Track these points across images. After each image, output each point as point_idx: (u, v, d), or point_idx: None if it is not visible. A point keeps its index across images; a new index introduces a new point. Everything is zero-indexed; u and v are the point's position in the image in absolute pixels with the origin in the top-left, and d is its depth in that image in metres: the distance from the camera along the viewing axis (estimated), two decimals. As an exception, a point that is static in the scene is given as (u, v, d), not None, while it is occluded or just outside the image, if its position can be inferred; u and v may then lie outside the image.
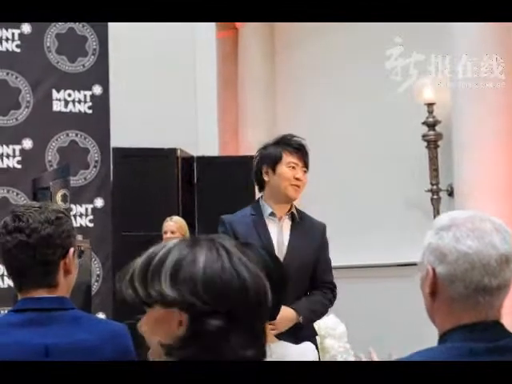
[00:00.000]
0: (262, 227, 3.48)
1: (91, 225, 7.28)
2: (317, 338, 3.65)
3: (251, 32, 9.26)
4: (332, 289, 3.57)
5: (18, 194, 7.06)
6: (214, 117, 8.16)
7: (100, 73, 7.39)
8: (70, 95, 7.34)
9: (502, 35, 6.00)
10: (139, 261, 1.42)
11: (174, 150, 7.45)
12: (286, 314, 3.06)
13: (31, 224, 2.02)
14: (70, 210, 6.66)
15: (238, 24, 9.48)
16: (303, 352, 2.41)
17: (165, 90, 7.83)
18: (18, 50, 7.18)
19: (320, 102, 8.64)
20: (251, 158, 3.77)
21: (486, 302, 1.58)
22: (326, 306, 3.55)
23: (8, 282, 6.58)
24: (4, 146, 7.08)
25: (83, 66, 7.40)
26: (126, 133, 7.25)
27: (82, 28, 7.41)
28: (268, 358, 2.06)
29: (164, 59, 7.90)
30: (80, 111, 7.36)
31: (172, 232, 6.08)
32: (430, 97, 7.15)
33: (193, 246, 1.40)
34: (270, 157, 3.51)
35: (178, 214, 6.71)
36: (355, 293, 7.32)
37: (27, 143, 7.14)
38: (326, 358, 5.37)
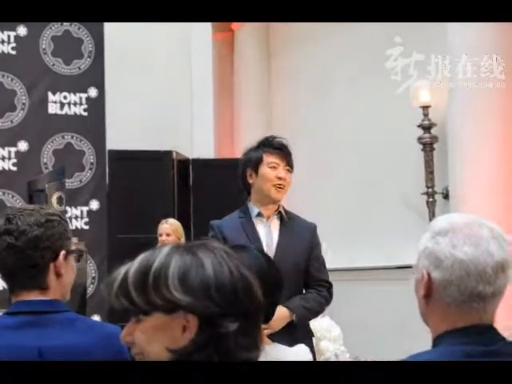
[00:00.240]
0: (251, 228, 3.50)
1: (86, 227, 7.27)
2: (313, 339, 3.64)
3: (247, 34, 9.28)
4: (327, 287, 3.55)
5: (13, 197, 7.05)
6: (209, 119, 8.15)
7: (96, 75, 7.38)
8: (65, 97, 7.34)
9: (501, 35, 6.01)
10: (131, 269, 1.41)
11: (169, 153, 7.45)
12: (279, 313, 3.05)
13: (20, 226, 2.02)
14: (66, 212, 6.65)
15: (234, 26, 9.49)
16: (297, 354, 2.40)
17: (160, 92, 7.83)
18: (14, 53, 7.17)
19: (316, 104, 8.64)
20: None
21: (480, 308, 1.58)
22: (321, 304, 3.53)
23: (3, 285, 6.57)
24: (-1, 148, 7.07)
25: (79, 68, 7.40)
26: (121, 135, 7.24)
27: (77, 30, 7.40)
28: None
29: (160, 61, 7.89)
30: (75, 113, 7.36)
31: (167, 234, 6.07)
32: (425, 100, 7.16)
33: (193, 252, 1.40)
34: (251, 159, 3.53)
35: (174, 217, 6.70)
36: (351, 295, 7.32)
37: (23, 145, 7.14)
38: (321, 360, 5.37)
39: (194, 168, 7.65)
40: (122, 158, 7.29)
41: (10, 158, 7.09)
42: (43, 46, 7.29)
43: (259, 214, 3.53)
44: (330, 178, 8.34)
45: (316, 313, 3.58)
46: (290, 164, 3.55)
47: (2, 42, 7.14)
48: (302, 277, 3.50)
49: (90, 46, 7.43)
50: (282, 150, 3.53)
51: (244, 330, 1.36)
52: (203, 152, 7.82)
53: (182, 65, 8.07)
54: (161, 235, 6.09)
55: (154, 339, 1.39)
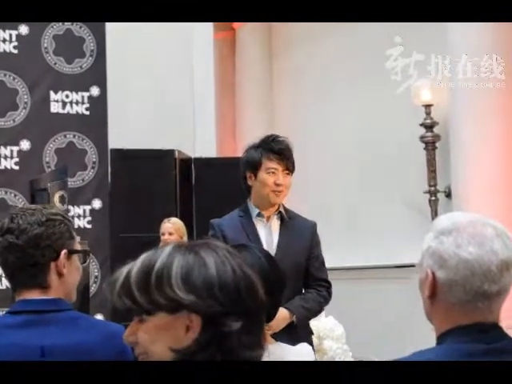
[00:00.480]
0: (251, 228, 3.50)
1: (89, 226, 7.28)
2: (313, 338, 3.64)
3: (249, 33, 9.28)
4: (326, 286, 3.55)
5: (15, 196, 7.05)
6: (211, 118, 8.16)
7: (97, 74, 7.39)
8: (67, 96, 7.34)
9: (501, 35, 6.01)
10: (134, 268, 1.41)
11: (171, 152, 7.44)
12: (280, 314, 3.04)
13: (21, 225, 2.03)
14: (68, 211, 6.65)
15: (235, 25, 9.49)
16: (300, 353, 2.40)
17: (162, 91, 7.83)
18: (16, 52, 7.18)
19: (318, 103, 8.64)
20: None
21: (485, 307, 1.58)
22: (320, 304, 3.53)
23: (6, 284, 6.57)
24: (2, 147, 7.07)
25: (81, 67, 7.40)
26: (123, 134, 7.24)
27: (79, 29, 7.40)
28: (265, 359, 2.06)
29: (161, 60, 7.89)
30: (78, 112, 7.36)
31: (170, 233, 6.07)
32: (427, 98, 7.16)
33: (195, 251, 1.40)
34: (250, 163, 3.52)
35: (176, 216, 6.70)
36: (354, 294, 7.33)
37: (25, 144, 7.14)
38: (324, 359, 5.37)
39: (196, 167, 7.65)
40: (125, 156, 7.29)
41: (12, 157, 7.09)
42: (45, 45, 7.29)
43: (259, 215, 3.53)
44: (331, 177, 8.34)
45: (315, 313, 3.59)
46: (289, 167, 3.53)
47: (4, 40, 7.15)
48: (301, 276, 3.50)
49: (92, 44, 7.43)
50: (281, 155, 3.51)
51: (247, 328, 1.36)
52: (205, 151, 7.82)
53: (183, 64, 8.07)
54: (163, 234, 6.09)
55: (157, 339, 1.38)
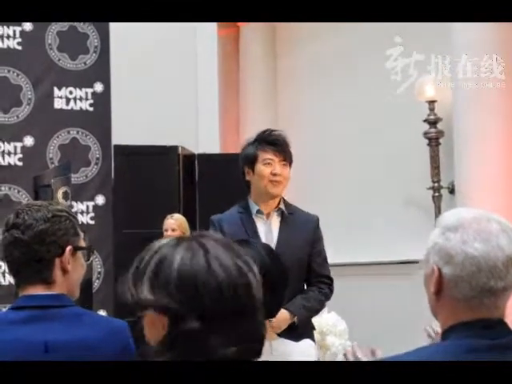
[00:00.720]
0: (250, 225, 3.49)
1: (92, 222, 7.28)
2: (316, 333, 3.64)
3: (253, 30, 9.26)
4: (328, 283, 3.53)
5: (19, 192, 7.06)
6: (215, 114, 8.15)
7: (101, 70, 7.39)
8: (71, 93, 7.34)
9: (501, 35, 6.00)
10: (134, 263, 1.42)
11: (175, 148, 7.44)
12: (280, 315, 2.97)
13: (26, 221, 2.04)
14: (71, 207, 6.66)
15: (239, 22, 9.48)
16: (304, 349, 2.41)
17: (166, 87, 7.83)
18: (20, 48, 7.18)
19: (321, 100, 8.64)
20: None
21: (491, 303, 1.58)
22: (321, 302, 3.52)
23: (9, 279, 6.58)
24: (5, 143, 7.08)
25: (84, 63, 7.40)
26: (127, 130, 7.24)
27: (83, 25, 7.40)
28: (269, 356, 2.06)
29: (165, 57, 7.89)
30: (81, 109, 7.36)
31: (173, 230, 6.08)
32: (431, 94, 7.15)
33: (174, 246, 1.39)
34: (247, 157, 3.53)
35: (180, 212, 6.70)
36: (356, 290, 7.33)
37: (28, 140, 7.14)
38: (327, 355, 5.38)
39: (200, 163, 7.65)
40: (128, 153, 7.29)
41: (15, 153, 7.10)
42: (49, 41, 7.29)
43: (259, 211, 3.52)
44: (334, 174, 8.34)
45: (317, 311, 3.57)
46: (286, 158, 3.52)
47: (8, 37, 7.15)
48: (304, 272, 3.48)
49: (96, 41, 7.43)
50: (276, 145, 3.50)
51: (215, 327, 1.33)
52: (209, 147, 7.82)
53: (187, 60, 8.07)
54: (166, 230, 6.10)
55: (148, 336, 1.40)
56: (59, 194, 6.36)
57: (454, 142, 6.50)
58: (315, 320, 3.70)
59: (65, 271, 2.08)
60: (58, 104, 7.29)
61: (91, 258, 2.26)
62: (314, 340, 3.26)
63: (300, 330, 3.31)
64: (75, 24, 7.35)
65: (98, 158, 7.36)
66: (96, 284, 7.09)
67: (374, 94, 7.82)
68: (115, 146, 7.31)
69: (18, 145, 7.11)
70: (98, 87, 7.40)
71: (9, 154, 7.08)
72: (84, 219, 7.16)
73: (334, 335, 5.50)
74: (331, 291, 3.54)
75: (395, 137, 7.71)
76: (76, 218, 2.15)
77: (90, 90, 7.38)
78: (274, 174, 3.47)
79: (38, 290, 2.05)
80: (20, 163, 7.10)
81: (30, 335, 1.98)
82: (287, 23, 8.76)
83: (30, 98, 7.18)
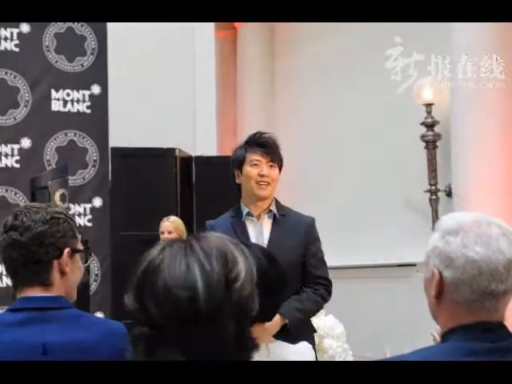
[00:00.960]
0: (241, 228, 3.45)
1: (89, 224, 7.28)
2: (315, 336, 3.60)
3: (250, 32, 9.28)
4: (324, 284, 3.45)
5: (16, 194, 7.06)
6: (212, 117, 8.15)
7: (99, 72, 7.39)
8: (68, 95, 7.34)
9: (501, 35, 6.02)
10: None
11: (172, 150, 7.44)
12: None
13: (25, 222, 2.05)
14: (69, 209, 6.66)
15: (237, 24, 9.49)
16: (300, 351, 2.40)
17: (163, 89, 7.83)
18: (17, 50, 7.18)
19: (319, 102, 8.64)
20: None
21: (492, 306, 1.58)
22: (317, 303, 3.43)
23: (6, 281, 6.58)
24: (2, 145, 7.08)
25: (82, 65, 7.40)
26: (124, 132, 7.25)
27: (80, 27, 7.41)
28: (266, 358, 2.06)
29: (163, 59, 7.89)
30: (79, 111, 7.36)
31: (169, 232, 6.07)
32: (428, 97, 7.16)
33: (161, 251, 1.38)
34: (236, 159, 3.51)
35: (177, 214, 6.70)
36: (354, 293, 7.33)
37: (26, 142, 7.14)
38: (325, 357, 5.37)
39: (197, 165, 7.65)
40: (125, 155, 7.29)
41: (13, 155, 7.10)
42: (46, 43, 7.29)
43: (249, 214, 3.48)
44: (332, 176, 8.34)
45: (312, 312, 3.48)
46: (273, 159, 3.47)
47: (5, 39, 7.15)
48: (298, 275, 3.41)
49: (93, 43, 7.43)
50: (264, 147, 3.46)
51: (166, 338, 1.32)
52: (206, 149, 7.82)
53: (185, 62, 8.07)
54: (162, 233, 6.09)
55: None
56: (56, 196, 6.35)
57: (452, 144, 6.51)
58: (313, 322, 3.66)
59: (63, 273, 2.08)
60: (56, 106, 7.29)
61: (89, 261, 2.26)
62: (313, 342, 3.24)
63: (296, 332, 3.27)
64: (72, 26, 7.35)
65: (95, 161, 7.36)
66: (93, 286, 7.09)
67: (373, 94, 7.82)
68: (112, 148, 7.31)
69: (15, 147, 7.11)
70: (96, 89, 7.40)
71: (6, 155, 7.07)
72: (81, 221, 7.16)
73: (332, 338, 5.50)
74: (328, 292, 3.47)
75: (394, 137, 7.72)
76: (74, 221, 2.16)
77: (87, 92, 7.38)
78: (262, 176, 3.43)
79: (36, 292, 2.05)
80: (17, 165, 7.10)
81: (28, 337, 1.98)
82: (284, 24, 8.78)
83: (28, 99, 7.18)
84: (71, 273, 2.10)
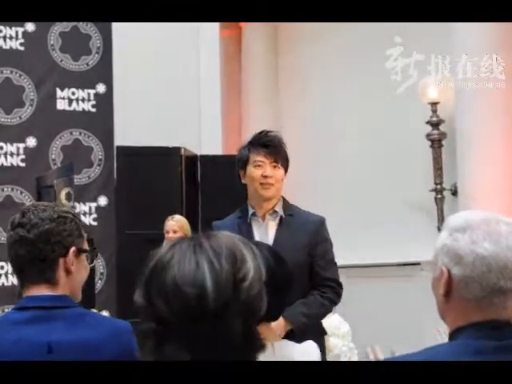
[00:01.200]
0: (245, 228, 3.41)
1: (95, 223, 7.29)
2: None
3: (255, 31, 9.27)
4: (333, 287, 3.38)
5: (21, 193, 7.07)
6: (217, 116, 8.15)
7: (104, 71, 7.40)
8: (73, 93, 7.35)
9: (501, 35, 6.01)
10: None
11: (177, 149, 7.44)
12: (277, 323, 2.79)
13: (32, 220, 2.06)
14: (74, 208, 6.66)
15: (241, 23, 9.48)
16: (306, 351, 2.40)
17: (168, 88, 7.83)
18: (22, 49, 7.19)
19: (323, 101, 8.64)
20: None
21: (500, 303, 1.58)
22: (324, 306, 3.36)
23: (12, 280, 6.59)
24: (8, 144, 7.09)
25: (87, 64, 7.41)
26: (129, 131, 7.25)
27: (85, 26, 7.41)
28: (271, 357, 2.06)
29: (168, 58, 7.89)
30: (84, 110, 7.37)
31: (174, 231, 6.07)
32: (433, 96, 7.15)
33: (170, 249, 1.38)
34: (240, 160, 3.49)
35: (182, 213, 6.70)
36: (359, 292, 7.32)
37: (31, 141, 7.15)
38: (330, 356, 5.37)
39: (202, 164, 7.65)
40: (131, 154, 7.29)
41: (18, 154, 7.11)
42: (51, 42, 7.30)
43: (254, 214, 3.45)
44: (337, 175, 8.33)
45: (319, 316, 3.41)
46: (277, 160, 3.43)
47: (11, 37, 7.16)
48: (305, 275, 3.34)
49: (98, 41, 7.44)
50: (268, 147, 3.42)
51: (172, 333, 1.32)
52: (211, 148, 7.82)
53: (189, 61, 8.07)
54: (167, 232, 6.08)
55: None
56: (62, 195, 6.36)
57: (457, 143, 6.50)
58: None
59: (68, 272, 2.09)
60: (61, 105, 7.30)
61: (95, 261, 2.26)
62: (321, 343, 3.20)
63: (303, 336, 3.22)
64: (77, 25, 7.36)
65: (100, 159, 7.37)
66: (99, 285, 7.10)
67: (377, 94, 7.82)
68: (117, 147, 7.32)
69: (21, 146, 7.12)
70: (101, 88, 7.41)
71: (11, 154, 7.08)
72: (87, 220, 7.17)
73: (337, 337, 5.50)
74: (338, 295, 3.40)
75: (398, 138, 7.71)
76: (80, 221, 2.17)
77: (92, 91, 7.39)
78: (265, 177, 3.39)
79: (42, 291, 2.06)
80: (23, 164, 7.11)
81: (34, 335, 1.99)
82: (288, 23, 8.76)
83: (33, 98, 7.19)
84: (77, 272, 2.11)
